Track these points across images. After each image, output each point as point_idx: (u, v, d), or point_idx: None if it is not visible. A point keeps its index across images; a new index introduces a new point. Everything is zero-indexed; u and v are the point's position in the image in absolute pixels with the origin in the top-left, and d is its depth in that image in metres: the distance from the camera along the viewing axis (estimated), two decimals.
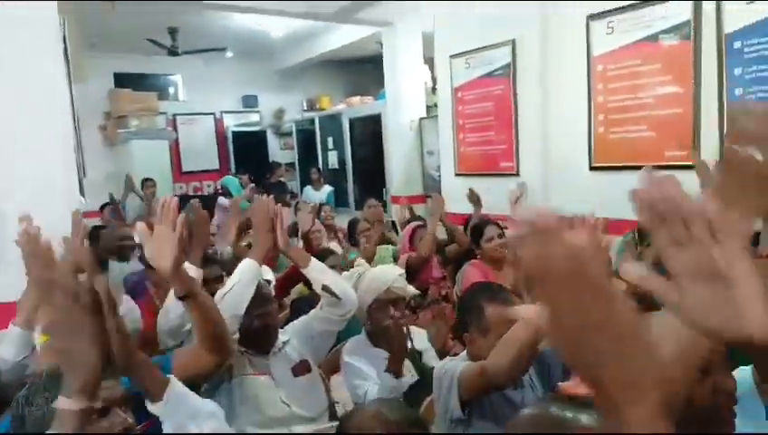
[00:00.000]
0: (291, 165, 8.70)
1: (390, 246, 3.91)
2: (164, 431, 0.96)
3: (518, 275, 2.19)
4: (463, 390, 1.41)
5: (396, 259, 3.49)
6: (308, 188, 7.00)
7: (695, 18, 2.78)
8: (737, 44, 2.64)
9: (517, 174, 3.80)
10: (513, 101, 3.73)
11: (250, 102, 9.13)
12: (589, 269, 0.47)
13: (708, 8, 2.73)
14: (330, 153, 7.75)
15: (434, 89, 6.22)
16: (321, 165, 7.69)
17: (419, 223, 3.66)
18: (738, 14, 2.62)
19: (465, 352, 1.62)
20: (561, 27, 3.43)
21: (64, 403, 0.82)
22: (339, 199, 7.08)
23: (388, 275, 2.07)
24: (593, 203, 3.27)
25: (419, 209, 5.14)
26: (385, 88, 6.21)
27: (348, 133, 7.32)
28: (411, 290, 2.13)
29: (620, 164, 3.20)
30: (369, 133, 6.91)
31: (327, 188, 6.87)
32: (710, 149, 2.80)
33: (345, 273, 2.19)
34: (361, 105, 7.36)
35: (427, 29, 5.32)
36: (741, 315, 0.48)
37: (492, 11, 3.71)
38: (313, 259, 1.86)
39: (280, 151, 9.18)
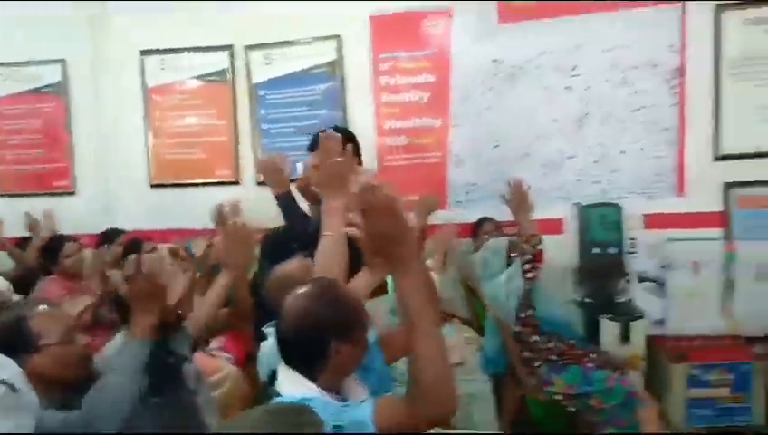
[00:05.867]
0: None
1: None
2: None
3: None
4: None
5: None
6: None
7: (231, 68, 3.63)
8: (262, 92, 3.64)
9: (74, 193, 3.85)
10: (66, 121, 3.77)
11: None
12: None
13: (240, 62, 3.63)
14: None
15: None
16: None
17: None
18: (262, 69, 3.60)
19: None
20: (116, 56, 3.73)
21: None
22: None
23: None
24: (155, 217, 3.76)
25: None
26: None
27: None
28: None
29: (179, 181, 3.77)
30: None
31: None
32: (247, 168, 3.70)
33: None
34: None
35: None
36: None
37: (41, 30, 3.67)
38: None
39: None
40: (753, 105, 3.09)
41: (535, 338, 2.66)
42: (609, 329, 3.07)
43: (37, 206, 3.70)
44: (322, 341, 1.21)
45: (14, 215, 3.62)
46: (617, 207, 3.27)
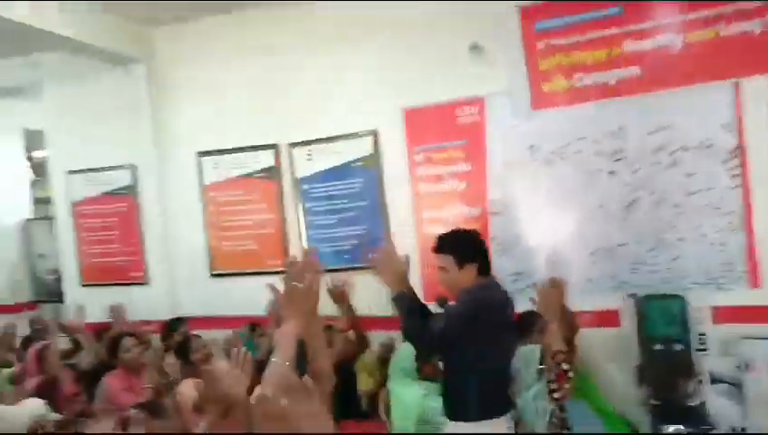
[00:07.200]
0: None
1: (5, 369, 3.64)
2: None
3: None
4: None
5: (13, 382, 3.37)
6: None
7: (276, 165, 3.79)
8: (305, 186, 3.75)
9: (146, 283, 4.17)
10: (138, 218, 4.13)
11: None
12: None
13: (285, 159, 3.78)
14: None
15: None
16: None
17: (46, 342, 3.58)
18: (305, 165, 3.72)
19: None
20: (175, 157, 4.05)
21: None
22: None
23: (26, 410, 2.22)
24: (217, 304, 3.95)
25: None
26: None
27: None
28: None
29: (235, 271, 3.95)
30: None
31: None
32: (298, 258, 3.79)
33: None
34: None
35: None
36: None
37: (113, 140, 4.10)
38: None
39: None
40: None
41: None
42: None
43: (114, 295, 4.04)
44: None
45: (94, 304, 3.95)
46: (680, 299, 2.93)
